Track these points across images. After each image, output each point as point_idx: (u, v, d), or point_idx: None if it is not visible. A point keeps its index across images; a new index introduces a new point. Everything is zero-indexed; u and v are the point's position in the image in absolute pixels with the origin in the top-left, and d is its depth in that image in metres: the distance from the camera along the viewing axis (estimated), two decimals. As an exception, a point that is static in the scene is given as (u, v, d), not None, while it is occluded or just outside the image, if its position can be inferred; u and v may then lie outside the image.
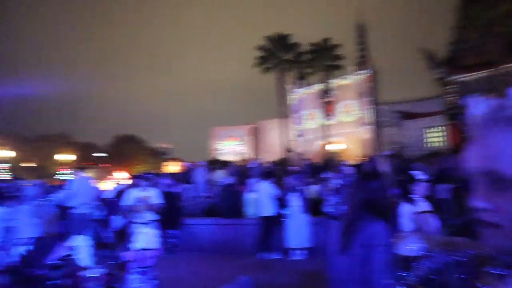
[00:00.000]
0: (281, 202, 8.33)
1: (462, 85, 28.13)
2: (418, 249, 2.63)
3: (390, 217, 2.44)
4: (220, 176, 11.35)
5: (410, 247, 2.69)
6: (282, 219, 8.23)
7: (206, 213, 10.20)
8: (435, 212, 3.26)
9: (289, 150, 31.25)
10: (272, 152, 37.08)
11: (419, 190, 3.35)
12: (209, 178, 11.68)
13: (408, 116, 31.35)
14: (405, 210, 3.29)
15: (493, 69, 25.22)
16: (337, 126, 32.91)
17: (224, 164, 14.44)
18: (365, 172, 3.36)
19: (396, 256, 2.59)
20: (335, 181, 8.38)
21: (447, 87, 28.41)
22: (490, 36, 22.98)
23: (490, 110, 0.68)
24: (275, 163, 19.88)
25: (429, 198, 3.59)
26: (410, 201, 3.29)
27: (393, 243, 2.42)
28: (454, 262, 2.38)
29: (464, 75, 28.01)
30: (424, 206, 3.26)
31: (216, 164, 14.76)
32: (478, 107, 0.70)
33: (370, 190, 2.43)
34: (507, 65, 23.94)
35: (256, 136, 42.04)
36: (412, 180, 3.38)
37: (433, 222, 3.15)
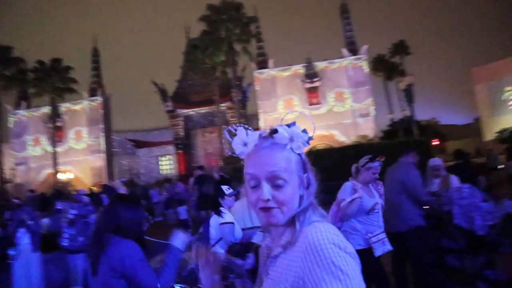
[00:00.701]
0: (4, 242, 7.14)
1: (186, 118, 31.68)
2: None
3: (140, 236, 2.46)
4: None
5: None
6: (7, 262, 7.03)
7: None
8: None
9: (8, 181, 26.73)
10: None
11: (226, 203, 3.70)
12: None
13: (142, 144, 32.53)
14: (214, 222, 3.58)
15: (212, 107, 29.61)
16: (66, 154, 30.57)
17: None
18: (116, 195, 3.34)
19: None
20: (70, 212, 7.86)
21: (174, 119, 31.32)
22: (212, 79, 27.04)
23: (257, 137, 1.06)
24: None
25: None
26: (219, 213, 3.58)
27: (148, 260, 2.46)
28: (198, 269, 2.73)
29: (188, 110, 31.64)
30: (228, 217, 3.60)
31: None
32: (243, 135, 1.07)
33: (118, 212, 2.44)
34: (223, 104, 28.69)
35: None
36: (222, 194, 3.69)
37: (234, 232, 3.55)
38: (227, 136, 1.13)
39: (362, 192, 3.73)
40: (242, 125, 1.09)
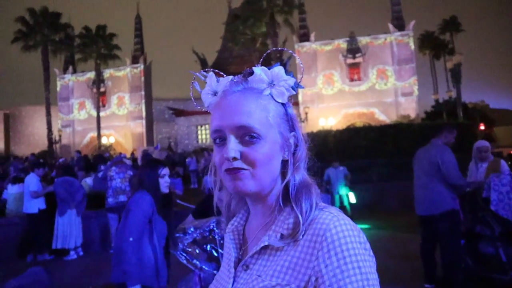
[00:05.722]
0: (52, 197, 7.63)
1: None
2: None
3: (159, 195, 2.81)
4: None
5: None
6: (51, 216, 7.54)
7: None
8: None
9: (55, 142, 28.25)
10: (32, 143, 32.64)
11: None
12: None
13: (181, 113, 33.15)
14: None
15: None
16: (109, 118, 31.74)
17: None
18: (150, 159, 3.63)
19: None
20: (115, 174, 8.22)
21: (214, 90, 31.51)
22: (252, 50, 26.90)
23: (228, 82, 0.83)
24: (38, 156, 17.74)
25: None
26: None
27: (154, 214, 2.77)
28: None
29: (228, 81, 31.61)
30: None
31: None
32: (213, 82, 0.84)
33: (142, 171, 2.89)
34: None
35: (8, 125, 36.01)
36: None
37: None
38: (197, 86, 0.88)
39: None
40: (213, 70, 0.86)
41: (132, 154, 20.40)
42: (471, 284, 4.31)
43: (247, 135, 0.77)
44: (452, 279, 4.19)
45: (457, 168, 4.21)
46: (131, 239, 2.53)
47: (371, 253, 0.74)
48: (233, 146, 0.77)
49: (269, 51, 1.00)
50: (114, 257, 2.69)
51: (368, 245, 0.74)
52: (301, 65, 0.92)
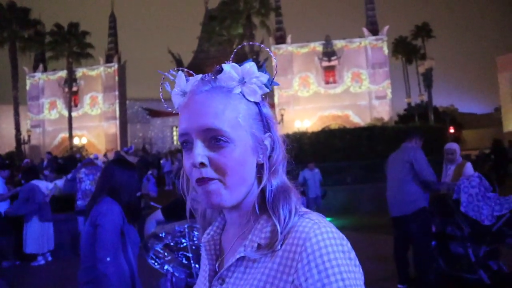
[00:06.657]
0: (18, 200, 7.34)
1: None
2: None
3: (128, 200, 2.51)
4: None
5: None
6: (18, 220, 7.26)
7: None
8: None
9: (24, 142, 27.32)
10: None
11: None
12: None
13: (156, 114, 32.67)
14: None
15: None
16: (81, 119, 30.90)
17: None
18: (113, 159, 3.41)
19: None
20: (85, 176, 8.01)
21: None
22: (229, 51, 26.81)
23: (196, 81, 0.76)
24: (5, 157, 17.15)
25: None
26: None
27: (123, 224, 2.48)
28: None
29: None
30: None
31: None
32: (182, 82, 0.77)
33: (111, 174, 2.54)
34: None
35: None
36: None
37: None
38: (168, 87, 0.81)
39: None
40: (184, 69, 0.80)
41: (105, 155, 19.97)
42: (442, 284, 4.40)
43: (214, 139, 0.70)
44: (425, 279, 4.26)
45: (429, 165, 4.32)
46: (108, 259, 2.27)
47: (357, 263, 0.67)
48: (200, 151, 0.70)
49: (240, 45, 0.94)
50: (83, 275, 2.40)
51: (353, 254, 0.67)
52: (274, 59, 0.87)
